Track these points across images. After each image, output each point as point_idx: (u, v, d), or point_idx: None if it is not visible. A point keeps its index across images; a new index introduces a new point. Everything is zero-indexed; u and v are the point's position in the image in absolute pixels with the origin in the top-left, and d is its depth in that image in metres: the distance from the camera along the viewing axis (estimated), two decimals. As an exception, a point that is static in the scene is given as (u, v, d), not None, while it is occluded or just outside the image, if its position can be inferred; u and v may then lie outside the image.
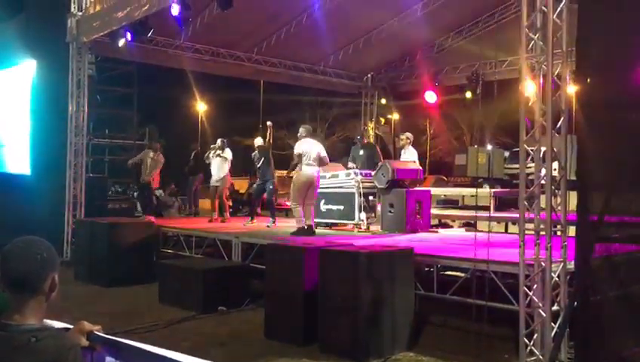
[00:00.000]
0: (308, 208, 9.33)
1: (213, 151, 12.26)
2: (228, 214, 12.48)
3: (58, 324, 2.13)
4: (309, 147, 9.25)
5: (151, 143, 14.09)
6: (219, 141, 12.36)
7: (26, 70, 13.20)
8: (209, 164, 12.39)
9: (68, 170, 11.70)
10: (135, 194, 14.80)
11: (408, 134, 11.99)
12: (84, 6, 11.78)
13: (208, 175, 12.85)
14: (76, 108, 11.79)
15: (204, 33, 12.53)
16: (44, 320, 1.96)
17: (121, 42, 11.12)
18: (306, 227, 9.17)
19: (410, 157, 11.40)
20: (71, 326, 2.11)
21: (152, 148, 13.43)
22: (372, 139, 15.50)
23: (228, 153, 12.26)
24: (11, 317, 1.86)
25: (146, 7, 10.04)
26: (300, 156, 9.18)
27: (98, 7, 11.46)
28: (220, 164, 12.19)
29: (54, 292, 1.93)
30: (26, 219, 10.57)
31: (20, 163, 13.39)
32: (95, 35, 11.47)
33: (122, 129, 16.09)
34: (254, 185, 12.19)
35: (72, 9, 11.76)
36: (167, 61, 13.64)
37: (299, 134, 9.58)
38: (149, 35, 11.27)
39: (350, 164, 11.37)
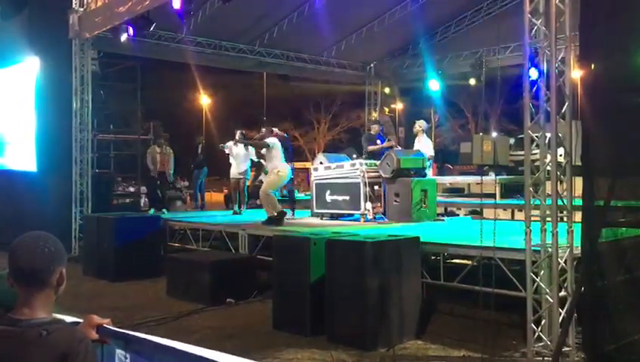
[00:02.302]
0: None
1: (232, 144, 12.20)
2: (244, 207, 12.47)
3: (67, 319, 2.15)
4: (279, 146, 9.84)
5: (155, 139, 14.17)
6: (238, 133, 12.19)
7: (29, 67, 13.20)
8: (228, 156, 12.31)
9: (74, 166, 11.75)
10: (143, 188, 14.88)
11: (422, 122, 11.68)
12: (85, 2, 11.78)
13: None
14: (80, 104, 11.84)
15: (206, 26, 12.53)
16: (53, 315, 1.97)
17: (124, 37, 11.12)
18: (276, 215, 9.46)
19: (423, 146, 11.19)
20: (80, 321, 2.13)
21: (157, 143, 13.57)
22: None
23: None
24: (20, 311, 1.86)
25: (147, 2, 10.03)
26: (270, 148, 9.68)
27: (100, 3, 11.45)
28: (240, 157, 12.15)
29: (62, 286, 1.94)
30: (33, 216, 10.61)
31: (25, 160, 13.43)
32: (97, 30, 11.47)
33: (127, 124, 16.07)
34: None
35: (74, 5, 11.76)
36: (169, 55, 13.68)
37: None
38: (151, 29, 11.28)
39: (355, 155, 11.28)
